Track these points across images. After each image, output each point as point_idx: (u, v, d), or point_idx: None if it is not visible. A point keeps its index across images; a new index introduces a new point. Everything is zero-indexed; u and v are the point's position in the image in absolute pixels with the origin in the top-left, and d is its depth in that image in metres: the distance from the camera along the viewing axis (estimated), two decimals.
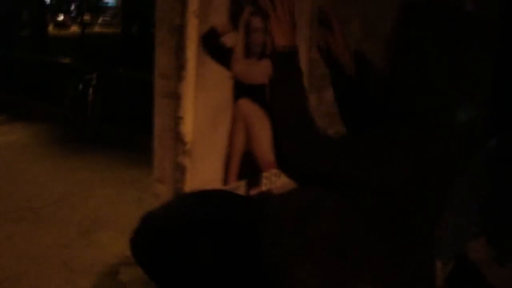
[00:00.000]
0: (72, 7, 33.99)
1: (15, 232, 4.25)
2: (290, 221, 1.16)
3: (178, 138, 1.19)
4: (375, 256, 1.16)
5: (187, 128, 1.19)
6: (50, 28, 33.66)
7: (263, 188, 1.50)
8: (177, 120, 1.18)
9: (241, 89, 1.36)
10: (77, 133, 7.72)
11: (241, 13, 1.32)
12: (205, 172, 1.26)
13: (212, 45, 1.27)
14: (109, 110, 8.29)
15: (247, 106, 1.40)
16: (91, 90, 8.05)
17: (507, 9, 4.11)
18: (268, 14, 1.29)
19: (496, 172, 4.33)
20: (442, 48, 1.11)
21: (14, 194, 5.09)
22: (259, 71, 1.37)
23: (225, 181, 1.35)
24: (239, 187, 1.42)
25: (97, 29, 37.84)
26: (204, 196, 1.12)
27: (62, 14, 37.54)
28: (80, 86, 8.24)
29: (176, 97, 1.15)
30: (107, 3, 42.15)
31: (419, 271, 1.23)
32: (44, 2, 19.48)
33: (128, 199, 4.95)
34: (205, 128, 1.26)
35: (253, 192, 1.48)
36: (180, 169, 1.21)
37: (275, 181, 1.51)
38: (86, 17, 32.49)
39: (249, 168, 1.45)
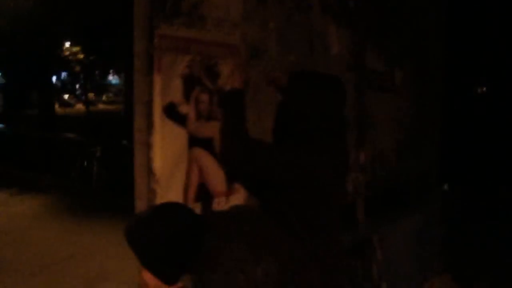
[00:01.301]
0: (77, 86, 35.26)
1: (29, 286, 4.84)
2: (224, 219, 1.81)
3: (150, 171, 1.86)
4: (277, 244, 1.79)
5: (156, 164, 1.86)
6: (56, 107, 34.95)
7: (214, 208, 2.14)
8: (149, 159, 1.85)
9: (194, 141, 2.02)
10: (83, 201, 8.30)
11: (192, 90, 2.02)
12: (170, 195, 1.90)
13: (172, 113, 1.95)
14: (113, 179, 8.88)
15: (199, 152, 2.06)
16: (95, 162, 8.71)
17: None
18: (211, 91, 2.03)
19: (453, 212, 4.92)
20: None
21: (27, 254, 5.67)
22: (207, 128, 2.04)
23: (185, 202, 2.00)
24: (195, 208, 2.05)
25: (101, 106, 38.99)
26: (170, 204, 1.79)
27: (67, 94, 38.71)
28: (85, 159, 8.92)
29: (148, 145, 1.83)
30: (110, 81, 43.38)
31: (314, 254, 1.84)
32: (52, 84, 20.57)
33: (130, 255, 5.50)
34: (169, 166, 1.89)
35: (205, 211, 2.12)
36: (152, 192, 1.87)
37: (223, 205, 2.15)
38: (90, 96, 33.68)
39: (203, 194, 2.09)
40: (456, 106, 5.77)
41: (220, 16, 2.13)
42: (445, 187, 4.53)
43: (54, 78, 37.00)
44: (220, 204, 2.14)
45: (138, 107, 1.84)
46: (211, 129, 2.06)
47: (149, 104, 1.84)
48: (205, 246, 1.66)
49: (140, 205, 1.84)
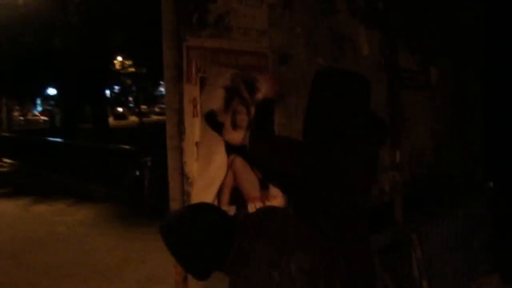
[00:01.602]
0: (130, 99, 36.26)
1: None
2: (252, 220, 1.90)
3: (183, 174, 1.98)
4: (306, 240, 1.85)
5: (189, 168, 1.98)
6: (111, 120, 36.07)
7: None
8: (182, 163, 1.97)
9: (231, 148, 2.13)
10: (136, 210, 8.58)
11: (232, 101, 2.13)
12: (203, 198, 2.02)
13: (211, 120, 2.07)
14: (164, 188, 9.12)
15: (234, 158, 2.16)
16: (147, 171, 8.96)
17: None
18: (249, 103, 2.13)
19: (500, 210, 4.82)
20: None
21: (82, 260, 5.95)
22: (243, 137, 2.12)
23: (219, 205, 2.10)
24: (230, 210, 2.14)
25: (154, 117, 39.92)
26: (204, 204, 1.90)
27: (120, 107, 39.84)
28: (137, 169, 9.19)
29: (180, 150, 1.95)
30: (162, 92, 44.26)
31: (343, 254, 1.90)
32: (105, 98, 21.28)
33: None
34: (204, 170, 2.04)
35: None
36: (186, 194, 1.99)
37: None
38: (143, 107, 34.56)
39: (237, 198, 2.19)
40: (503, 103, 5.65)
41: (247, 25, 2.24)
42: (491, 184, 4.44)
43: (108, 92, 38.27)
44: (254, 209, 2.23)
45: (169, 114, 1.96)
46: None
47: (179, 112, 1.96)
48: (236, 244, 1.75)
49: (174, 206, 1.96)
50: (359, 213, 2.02)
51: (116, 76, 21.53)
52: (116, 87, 30.59)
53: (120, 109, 42.94)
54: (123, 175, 9.46)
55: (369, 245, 2.12)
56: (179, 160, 1.97)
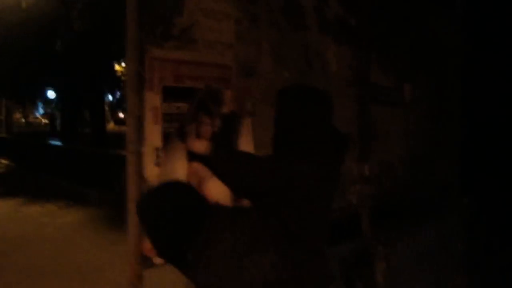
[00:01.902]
0: None
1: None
2: (226, 211, 2.02)
3: (141, 177, 2.08)
4: (276, 241, 1.92)
5: (148, 172, 2.09)
6: (111, 125, 36.17)
7: None
8: (141, 168, 2.08)
9: (195, 157, 2.22)
10: (124, 214, 8.67)
11: (198, 112, 2.24)
12: None
13: (177, 129, 2.19)
14: None
15: (197, 165, 2.26)
16: None
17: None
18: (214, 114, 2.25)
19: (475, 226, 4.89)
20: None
21: (67, 261, 6.04)
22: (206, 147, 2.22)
23: None
24: None
25: None
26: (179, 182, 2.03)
27: (122, 112, 39.92)
28: None
29: (139, 154, 2.06)
30: None
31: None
32: (104, 104, 21.37)
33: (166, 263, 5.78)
34: (164, 174, 2.13)
35: None
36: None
37: None
38: None
39: None
40: (481, 119, 5.75)
41: (212, 38, 2.34)
42: (466, 200, 4.53)
43: (110, 97, 38.32)
44: None
45: (130, 121, 2.06)
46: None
47: (140, 118, 2.07)
48: (206, 228, 1.83)
49: (132, 207, 2.06)
50: (317, 226, 2.07)
51: (118, 82, 21.63)
52: (118, 92, 30.69)
53: (121, 115, 43.05)
54: (115, 180, 9.55)
55: (325, 257, 2.16)
56: (138, 164, 2.07)
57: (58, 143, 16.23)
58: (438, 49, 4.27)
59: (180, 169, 2.20)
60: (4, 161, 17.24)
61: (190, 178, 2.24)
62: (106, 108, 30.57)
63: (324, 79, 3.00)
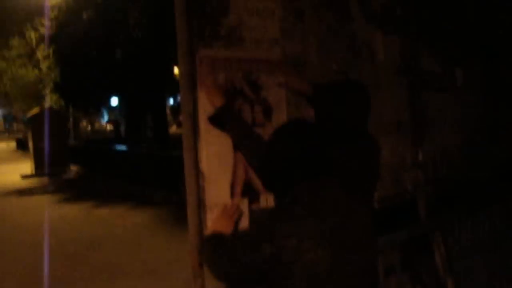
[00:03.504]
0: None
1: (136, 286, 5.44)
2: None
3: (199, 171, 2.21)
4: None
5: (203, 165, 2.21)
6: (174, 128, 36.97)
7: (261, 205, 2.43)
8: (197, 161, 2.20)
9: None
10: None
11: (235, 101, 2.35)
12: (217, 190, 2.24)
13: (216, 121, 2.29)
14: None
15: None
16: None
17: None
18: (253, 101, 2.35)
19: None
20: None
21: (137, 259, 6.34)
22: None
23: (232, 197, 2.32)
24: (242, 202, 2.35)
25: None
26: None
27: None
28: None
29: (195, 149, 2.19)
30: None
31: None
32: (165, 108, 21.95)
33: None
34: (216, 166, 2.24)
35: (254, 206, 2.41)
36: (201, 188, 2.22)
37: (270, 201, 2.44)
38: None
39: (250, 190, 2.40)
40: None
41: (259, 36, 2.44)
42: None
43: (171, 101, 39.15)
44: (268, 201, 2.43)
45: (185, 118, 2.20)
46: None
47: (194, 116, 2.20)
48: None
49: (191, 200, 2.19)
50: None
51: (178, 85, 22.16)
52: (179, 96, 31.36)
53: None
54: (180, 181, 9.84)
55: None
56: (194, 158, 2.20)
57: (123, 148, 16.82)
58: (492, 28, 4.19)
59: (226, 158, 2.31)
60: (74, 168, 18.02)
61: (238, 166, 2.34)
62: (168, 111, 31.39)
63: (373, 68, 3.04)
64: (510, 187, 4.41)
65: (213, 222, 2.18)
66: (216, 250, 1.85)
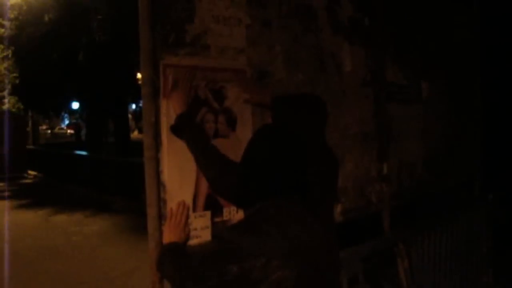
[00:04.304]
0: None
1: None
2: None
3: (159, 183, 2.13)
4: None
5: (165, 177, 2.13)
6: (135, 133, 36.55)
7: (224, 218, 2.36)
8: (158, 173, 2.12)
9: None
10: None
11: (199, 111, 2.27)
12: (178, 203, 2.17)
13: (178, 131, 2.21)
14: None
15: None
16: None
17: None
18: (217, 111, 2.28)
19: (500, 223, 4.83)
20: None
21: (94, 268, 6.17)
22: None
23: (194, 209, 2.24)
24: (205, 215, 2.28)
25: None
26: None
27: None
28: None
29: (156, 160, 2.11)
30: None
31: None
32: (127, 113, 21.65)
33: None
34: (177, 177, 2.17)
35: (216, 220, 2.34)
36: (162, 201, 2.13)
37: (234, 214, 2.37)
38: None
39: (213, 203, 2.33)
40: (502, 113, 5.68)
41: (224, 44, 2.38)
42: (490, 196, 4.48)
43: (133, 106, 38.64)
44: (230, 214, 2.37)
45: (146, 128, 2.11)
46: (218, 145, 2.29)
47: (156, 125, 2.11)
48: None
49: (151, 212, 2.10)
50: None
51: (140, 90, 21.91)
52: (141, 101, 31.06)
53: None
54: (139, 188, 9.69)
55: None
56: (155, 169, 2.12)
57: (83, 153, 16.47)
58: (455, 43, 4.25)
59: (187, 170, 2.23)
60: (32, 172, 17.57)
61: (200, 179, 2.26)
62: (130, 116, 30.98)
63: (339, 79, 3.01)
64: (471, 197, 4.48)
65: (164, 231, 2.12)
66: (173, 261, 1.86)
